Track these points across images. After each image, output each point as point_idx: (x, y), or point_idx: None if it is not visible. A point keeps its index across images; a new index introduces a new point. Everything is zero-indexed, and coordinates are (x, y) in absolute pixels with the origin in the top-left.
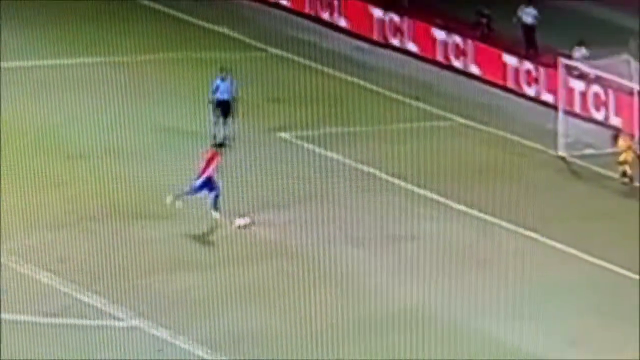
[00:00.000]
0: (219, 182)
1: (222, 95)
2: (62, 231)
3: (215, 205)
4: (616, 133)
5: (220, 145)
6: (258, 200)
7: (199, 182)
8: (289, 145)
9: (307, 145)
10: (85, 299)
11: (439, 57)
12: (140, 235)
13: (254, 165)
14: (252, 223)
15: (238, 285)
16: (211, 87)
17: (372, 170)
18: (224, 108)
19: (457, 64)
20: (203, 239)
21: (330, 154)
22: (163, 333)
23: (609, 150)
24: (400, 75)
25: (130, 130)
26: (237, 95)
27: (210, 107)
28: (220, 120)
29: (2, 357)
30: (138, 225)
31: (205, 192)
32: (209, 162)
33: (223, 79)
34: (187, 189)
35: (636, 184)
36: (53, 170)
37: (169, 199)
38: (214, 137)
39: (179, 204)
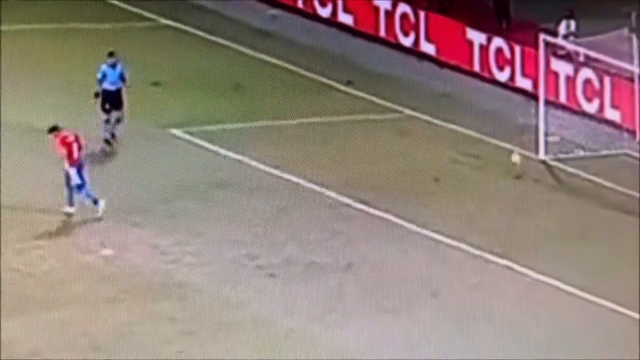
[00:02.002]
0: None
1: (110, 85)
2: None
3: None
4: None
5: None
6: (139, 215)
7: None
8: (181, 144)
9: (204, 143)
10: None
11: (382, 33)
12: None
13: (137, 169)
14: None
15: (108, 334)
16: (97, 75)
17: (290, 177)
18: (114, 100)
19: (405, 41)
20: (48, 271)
21: (234, 155)
22: None
23: (605, 152)
24: (329, 54)
25: None
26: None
27: (98, 101)
28: (112, 115)
29: None
30: None
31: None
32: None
33: (113, 66)
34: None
35: None
36: None
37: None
38: (106, 140)
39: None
